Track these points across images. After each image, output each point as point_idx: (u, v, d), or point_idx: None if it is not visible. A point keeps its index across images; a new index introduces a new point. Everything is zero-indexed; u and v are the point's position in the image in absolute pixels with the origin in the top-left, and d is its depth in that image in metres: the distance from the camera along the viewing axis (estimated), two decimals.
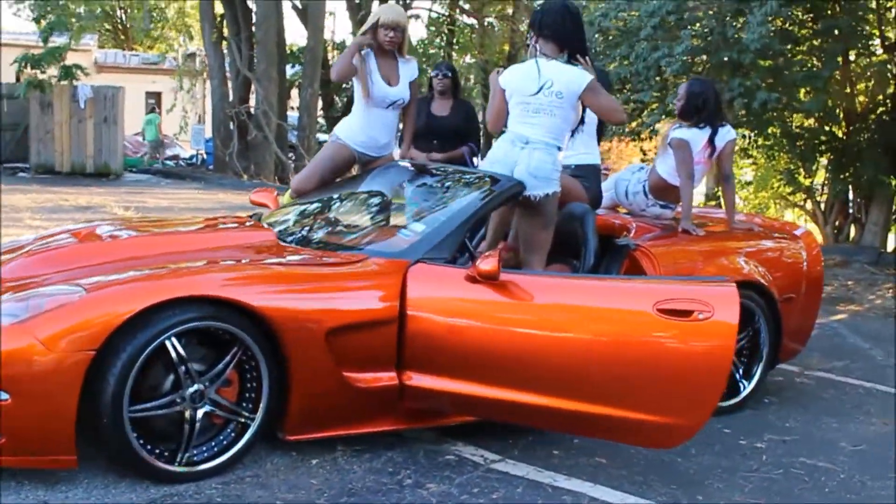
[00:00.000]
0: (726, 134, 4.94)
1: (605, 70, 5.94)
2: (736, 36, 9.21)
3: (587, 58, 4.16)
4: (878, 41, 11.54)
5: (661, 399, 3.30)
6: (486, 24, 23.25)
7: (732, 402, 4.54)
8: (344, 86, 19.34)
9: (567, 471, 3.58)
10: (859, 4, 10.15)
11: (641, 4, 9.97)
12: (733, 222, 5.06)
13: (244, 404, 3.32)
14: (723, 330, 3.25)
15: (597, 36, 10.59)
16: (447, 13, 23.61)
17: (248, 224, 4.40)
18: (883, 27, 11.50)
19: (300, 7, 19.40)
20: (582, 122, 4.64)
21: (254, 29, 18.30)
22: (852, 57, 11.35)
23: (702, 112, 4.89)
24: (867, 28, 11.11)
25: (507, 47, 22.55)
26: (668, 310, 3.26)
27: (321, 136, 18.43)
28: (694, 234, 4.70)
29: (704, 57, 10.03)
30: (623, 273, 4.32)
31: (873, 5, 10.93)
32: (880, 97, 11.52)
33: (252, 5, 18.54)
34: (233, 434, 3.32)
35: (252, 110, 18.27)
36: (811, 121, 11.79)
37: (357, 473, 3.40)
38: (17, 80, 18.13)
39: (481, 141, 6.21)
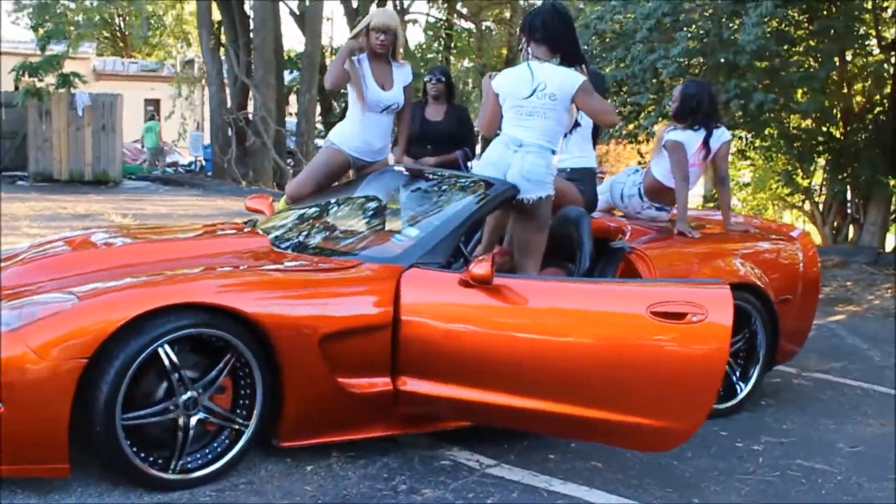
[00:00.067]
0: (721, 136, 4.93)
1: (600, 73, 5.93)
2: (732, 37, 9.20)
3: (583, 65, 4.16)
4: (874, 41, 11.55)
5: (655, 402, 3.29)
6: (483, 28, 23.30)
7: (729, 404, 4.53)
8: (342, 91, 19.26)
9: (562, 475, 3.57)
10: (855, 5, 10.14)
11: (637, 7, 9.96)
12: (729, 224, 5.05)
13: (238, 411, 3.31)
14: (717, 332, 3.24)
15: (593, 39, 10.58)
16: (445, 18, 23.63)
17: (243, 231, 4.39)
18: (880, 27, 11.50)
19: (297, 13, 19.42)
20: (578, 125, 4.66)
21: (251, 35, 18.32)
22: (849, 57, 11.34)
23: (696, 114, 4.88)
24: (863, 28, 11.11)
25: (504, 51, 22.58)
26: (661, 312, 3.26)
27: (319, 142, 18.42)
28: (690, 237, 4.69)
29: (701, 59, 10.03)
30: (619, 276, 4.31)
31: (869, 5, 10.92)
32: (877, 97, 11.51)
33: (249, 11, 18.56)
34: (227, 441, 3.31)
35: (250, 116, 18.29)
36: (808, 121, 11.79)
37: (352, 480, 3.39)
38: (16, 88, 18.15)
39: (477, 145, 6.22)
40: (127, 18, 31.37)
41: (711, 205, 12.62)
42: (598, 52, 10.57)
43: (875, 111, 11.56)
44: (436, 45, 24.17)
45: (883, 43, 11.56)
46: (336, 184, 5.03)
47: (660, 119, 10.10)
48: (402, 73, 4.87)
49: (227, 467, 3.30)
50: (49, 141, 16.98)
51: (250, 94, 18.61)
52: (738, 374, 4.61)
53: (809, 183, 13.31)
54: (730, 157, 14.13)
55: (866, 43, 11.43)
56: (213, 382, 3.23)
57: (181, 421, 3.18)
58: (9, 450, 2.93)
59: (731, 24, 9.49)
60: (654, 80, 10.00)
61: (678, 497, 3.48)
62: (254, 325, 3.21)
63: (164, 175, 20.35)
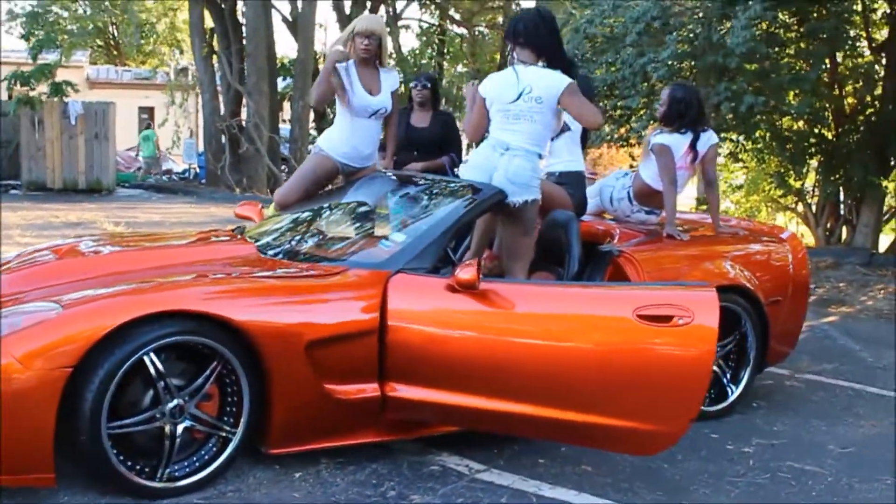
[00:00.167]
0: (709, 139, 4.93)
1: (588, 77, 5.94)
2: (721, 40, 9.22)
3: (570, 69, 4.17)
4: (864, 42, 11.58)
5: (642, 405, 3.28)
6: (476, 33, 23.31)
7: (720, 406, 4.53)
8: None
9: (552, 479, 3.57)
10: (844, 6, 10.17)
11: (627, 10, 9.98)
12: (718, 226, 5.06)
13: (225, 418, 3.30)
14: (703, 334, 3.24)
15: (584, 42, 10.59)
16: (437, 23, 23.65)
17: (230, 238, 4.39)
18: (870, 28, 11.54)
19: (290, 20, 19.42)
20: (568, 129, 4.66)
21: (244, 42, 18.32)
22: (839, 59, 11.37)
23: (684, 117, 4.88)
24: (853, 30, 11.14)
25: (497, 56, 22.58)
26: (648, 315, 3.25)
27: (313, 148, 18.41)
28: (679, 239, 4.69)
29: (691, 62, 10.04)
30: (607, 279, 4.31)
31: (859, 7, 10.96)
32: (868, 98, 11.54)
33: (242, 19, 18.56)
34: (214, 449, 3.30)
35: (244, 123, 18.28)
36: (800, 123, 11.81)
37: (340, 486, 3.38)
38: (9, 97, 18.15)
39: (463, 151, 6.21)
40: (120, 26, 31.40)
41: (704, 207, 12.62)
42: (589, 56, 10.58)
43: (866, 112, 11.59)
44: (429, 50, 24.18)
45: (873, 44, 11.59)
46: (328, 188, 5.03)
47: (651, 122, 10.11)
48: (390, 79, 4.87)
49: (215, 475, 3.29)
50: (42, 150, 16.96)
51: (243, 101, 18.61)
52: (728, 376, 4.60)
53: (802, 185, 13.33)
54: (722, 160, 14.20)
55: (857, 45, 11.46)
56: (200, 390, 3.22)
57: (167, 429, 3.17)
58: None
59: (720, 27, 9.51)
60: (645, 84, 10.01)
61: (667, 500, 3.47)
62: (240, 333, 3.20)
63: (158, 183, 20.34)
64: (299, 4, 18.73)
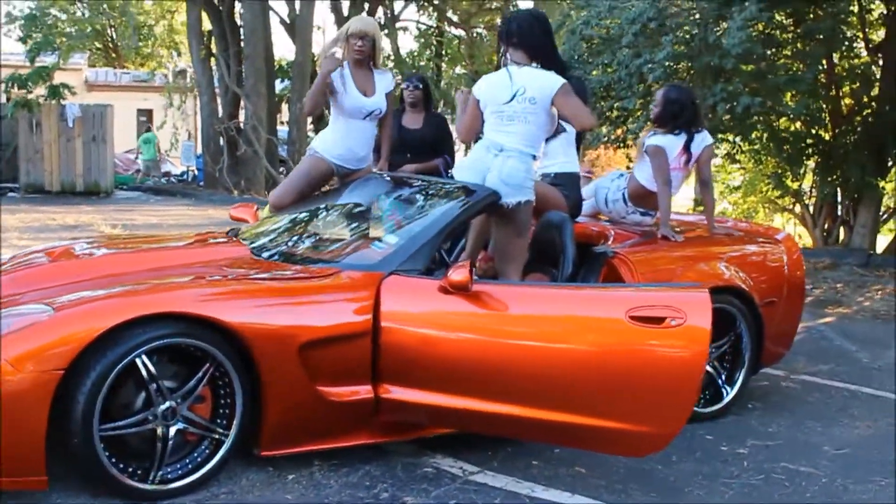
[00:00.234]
0: (702, 140, 4.93)
1: (582, 79, 5.94)
2: (718, 41, 9.21)
3: (563, 70, 4.17)
4: (861, 43, 11.58)
5: (635, 407, 3.28)
6: (474, 34, 23.31)
7: (715, 408, 4.52)
8: None
9: (546, 481, 3.56)
10: (841, 7, 10.16)
11: (623, 12, 9.98)
12: (713, 227, 5.06)
13: (218, 421, 3.30)
14: (696, 336, 3.23)
15: (580, 44, 10.59)
16: (435, 25, 23.66)
17: (224, 240, 4.38)
18: (867, 29, 11.54)
19: (288, 22, 19.42)
20: (563, 130, 4.66)
21: (242, 44, 18.32)
22: (836, 59, 11.37)
23: (678, 118, 4.88)
24: (849, 30, 11.13)
25: (495, 57, 22.57)
26: (640, 317, 3.25)
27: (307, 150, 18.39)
28: (673, 240, 4.69)
29: (687, 63, 10.04)
30: (601, 280, 4.30)
31: (855, 8, 10.96)
32: (865, 99, 11.54)
33: (240, 21, 18.56)
34: (207, 451, 3.30)
35: (241, 125, 18.27)
36: (797, 124, 11.81)
37: (333, 488, 3.38)
38: (8, 100, 18.16)
39: (457, 152, 6.21)
40: (118, 29, 31.40)
41: (702, 209, 12.60)
42: (585, 58, 10.58)
43: (864, 113, 11.58)
44: (427, 52, 24.18)
45: (870, 45, 11.59)
46: (324, 189, 5.02)
47: (647, 123, 10.11)
48: (384, 80, 4.88)
49: (208, 477, 3.29)
50: (40, 152, 16.97)
51: (241, 103, 18.61)
52: (723, 377, 4.60)
53: (799, 185, 13.32)
54: (720, 161, 14.17)
55: (854, 45, 11.46)
56: (192, 392, 3.22)
57: (160, 431, 3.16)
58: None
59: (716, 28, 9.50)
60: (641, 85, 10.00)
61: (661, 501, 3.47)
62: (233, 335, 3.19)
63: (156, 185, 20.34)
64: (297, 6, 18.74)
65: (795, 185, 13.24)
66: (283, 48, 66.16)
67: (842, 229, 12.35)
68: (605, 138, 11.27)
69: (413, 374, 3.43)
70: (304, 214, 4.54)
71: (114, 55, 34.18)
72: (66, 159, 17.13)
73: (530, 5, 20.87)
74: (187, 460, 3.27)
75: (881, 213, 12.14)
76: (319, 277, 3.58)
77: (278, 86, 21.02)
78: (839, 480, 3.80)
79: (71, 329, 2.98)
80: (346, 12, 19.69)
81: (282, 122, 21.61)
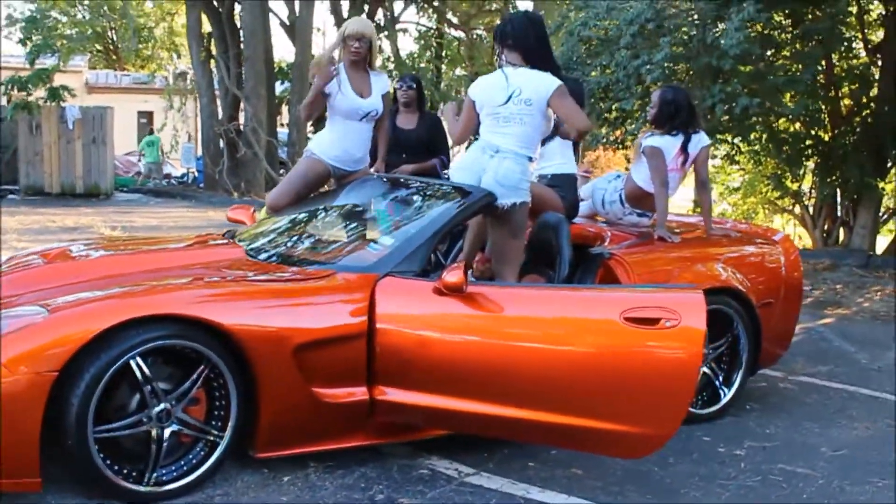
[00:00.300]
0: (700, 141, 4.93)
1: (579, 82, 5.93)
2: (716, 42, 9.21)
3: (558, 72, 4.17)
4: (860, 44, 11.58)
5: (630, 408, 3.27)
6: (473, 36, 23.31)
7: (713, 409, 4.51)
8: None
9: (542, 483, 3.55)
10: (839, 8, 10.16)
11: (621, 13, 9.97)
12: (710, 228, 5.05)
13: (213, 422, 3.30)
14: (690, 337, 3.23)
15: (578, 45, 10.59)
16: (435, 26, 23.66)
17: (221, 242, 4.38)
18: (865, 30, 11.54)
19: (288, 24, 19.43)
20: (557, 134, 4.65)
21: (242, 46, 18.32)
22: (835, 60, 11.37)
23: (674, 119, 4.88)
24: (848, 31, 11.13)
25: (495, 59, 22.57)
26: (635, 318, 3.24)
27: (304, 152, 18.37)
28: (670, 241, 4.69)
29: (685, 64, 10.03)
30: (598, 282, 4.30)
31: (853, 9, 10.95)
32: (864, 99, 11.53)
33: (239, 23, 18.56)
34: (202, 453, 3.29)
35: (241, 127, 18.28)
36: (797, 125, 11.81)
37: (328, 490, 3.37)
38: (8, 101, 18.17)
39: (452, 152, 6.20)
40: (119, 31, 31.45)
41: (700, 209, 12.60)
42: (584, 59, 10.58)
43: (863, 114, 11.58)
44: (427, 54, 24.18)
45: (869, 46, 11.59)
46: (321, 190, 5.02)
47: (646, 124, 10.10)
48: (380, 82, 4.88)
49: (203, 479, 3.28)
50: (40, 154, 16.98)
51: (241, 105, 18.61)
52: (721, 378, 4.59)
53: (799, 186, 13.32)
54: (719, 162, 14.15)
55: (852, 46, 11.46)
56: (187, 394, 3.21)
57: (154, 433, 3.16)
58: None
59: (714, 29, 9.50)
60: (639, 86, 10.00)
61: (658, 503, 3.46)
62: (227, 336, 3.19)
63: (156, 187, 20.35)
64: (297, 8, 18.74)
65: (795, 186, 13.24)
66: (283, 50, 66.26)
67: (841, 230, 12.36)
68: (604, 139, 11.27)
69: (408, 375, 3.43)
70: (300, 216, 4.54)
71: (114, 57, 34.22)
72: (66, 161, 17.14)
73: (530, 7, 20.86)
74: (182, 462, 3.26)
75: (881, 214, 12.14)
76: (315, 279, 3.57)
77: (278, 88, 21.03)
78: (836, 482, 3.79)
79: (65, 331, 2.98)
80: (345, 14, 19.70)
81: (282, 124, 21.62)
